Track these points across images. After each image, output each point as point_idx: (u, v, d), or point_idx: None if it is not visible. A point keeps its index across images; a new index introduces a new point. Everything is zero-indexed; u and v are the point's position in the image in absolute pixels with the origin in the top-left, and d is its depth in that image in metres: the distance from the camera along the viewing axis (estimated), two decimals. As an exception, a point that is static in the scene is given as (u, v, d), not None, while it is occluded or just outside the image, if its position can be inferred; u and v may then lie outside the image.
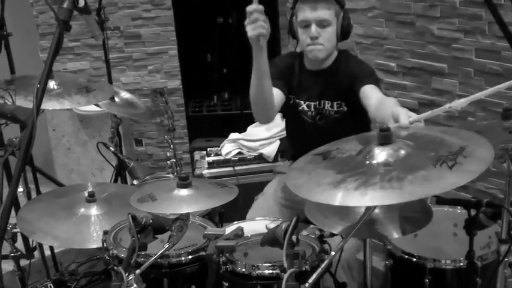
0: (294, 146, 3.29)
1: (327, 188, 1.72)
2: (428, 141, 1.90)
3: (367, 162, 1.80)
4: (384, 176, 1.69)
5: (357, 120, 2.96)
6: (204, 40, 5.27)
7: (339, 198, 1.67)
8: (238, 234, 2.36)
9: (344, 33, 2.96)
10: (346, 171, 1.77)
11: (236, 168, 4.25)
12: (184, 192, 2.21)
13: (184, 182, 2.21)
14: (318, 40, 2.92)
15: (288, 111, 3.16)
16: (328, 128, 2.98)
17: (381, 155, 1.80)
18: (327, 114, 3.01)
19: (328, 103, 3.01)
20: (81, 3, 1.81)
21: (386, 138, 1.84)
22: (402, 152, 1.80)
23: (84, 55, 5.02)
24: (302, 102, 3.08)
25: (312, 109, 3.06)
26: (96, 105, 3.17)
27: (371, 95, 2.78)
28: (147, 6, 4.94)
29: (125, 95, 3.62)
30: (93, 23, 1.99)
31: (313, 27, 2.90)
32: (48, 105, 2.70)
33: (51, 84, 2.78)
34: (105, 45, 3.90)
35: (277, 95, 2.94)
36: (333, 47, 2.98)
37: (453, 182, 1.63)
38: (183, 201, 2.18)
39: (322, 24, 2.90)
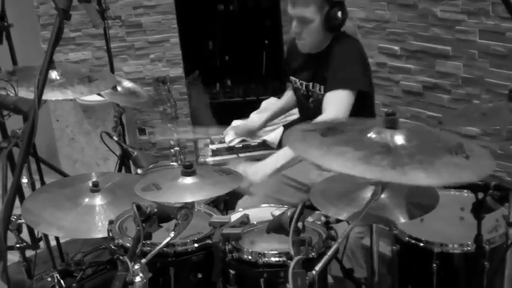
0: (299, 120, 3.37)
1: (358, 164, 1.68)
2: (425, 133, 1.95)
3: (382, 141, 1.80)
4: (412, 157, 1.70)
5: None
6: (205, 28, 5.25)
7: (388, 175, 1.65)
8: (244, 221, 2.35)
9: (331, 26, 2.93)
10: (364, 149, 1.75)
11: (240, 155, 4.24)
12: (188, 180, 2.20)
13: (188, 170, 2.20)
14: (300, 35, 2.94)
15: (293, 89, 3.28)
16: (317, 112, 2.98)
17: (397, 137, 1.80)
18: (317, 97, 3.03)
19: (317, 86, 3.02)
20: (81, -9, 1.80)
21: (392, 122, 1.83)
22: (408, 138, 1.81)
23: (86, 45, 5.00)
24: (298, 80, 3.16)
25: (304, 89, 3.12)
26: (99, 94, 3.16)
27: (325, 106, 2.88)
28: (148, -6, 4.93)
29: (127, 84, 3.60)
30: (93, 11, 1.98)
31: (294, 23, 2.95)
32: (50, 95, 2.68)
33: (53, 74, 2.76)
34: (106, 34, 3.88)
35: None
36: (320, 40, 2.99)
37: (478, 172, 1.70)
38: (188, 190, 2.16)
39: (302, 20, 2.90)
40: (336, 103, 2.86)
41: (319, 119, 2.79)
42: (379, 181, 1.93)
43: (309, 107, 3.10)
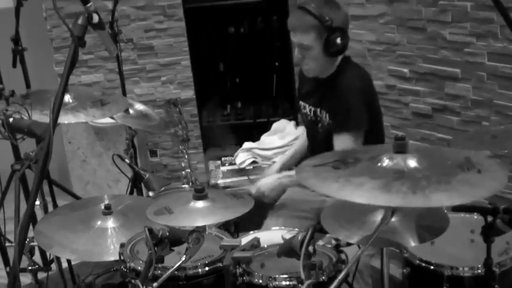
0: (308, 149, 3.37)
1: (379, 194, 1.71)
2: (432, 153, 1.98)
3: (395, 167, 1.83)
4: (429, 180, 1.72)
5: None
6: (216, 50, 5.29)
7: (412, 201, 1.67)
8: (255, 245, 2.36)
9: (331, 52, 2.94)
10: (380, 177, 1.77)
11: (251, 177, 4.25)
12: (200, 204, 2.22)
13: (200, 194, 2.22)
14: (303, 61, 2.99)
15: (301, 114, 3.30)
16: (326, 137, 3.02)
17: (409, 161, 1.83)
18: (324, 124, 3.05)
19: (324, 112, 3.04)
20: (95, 19, 1.83)
21: (402, 146, 1.85)
22: (418, 160, 1.83)
23: (98, 67, 5.05)
24: (306, 106, 3.18)
25: (312, 114, 3.13)
26: (111, 117, 3.18)
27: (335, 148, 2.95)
28: (160, 17, 4.97)
29: (139, 106, 3.63)
30: (107, 38, 2.01)
31: (296, 50, 2.99)
32: (63, 118, 2.71)
33: (66, 97, 2.79)
34: (118, 57, 3.92)
35: None
36: (323, 64, 3.02)
37: (496, 184, 1.74)
38: (200, 214, 2.18)
39: (302, 47, 2.94)
40: (344, 146, 2.91)
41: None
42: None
43: (318, 132, 3.11)
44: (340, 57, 3.04)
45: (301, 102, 3.24)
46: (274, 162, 4.24)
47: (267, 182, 3.14)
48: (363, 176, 1.79)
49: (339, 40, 2.91)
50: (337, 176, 1.83)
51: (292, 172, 3.13)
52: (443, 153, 2.04)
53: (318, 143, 3.12)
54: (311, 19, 2.89)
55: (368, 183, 1.75)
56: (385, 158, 1.86)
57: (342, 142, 2.94)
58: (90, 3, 1.87)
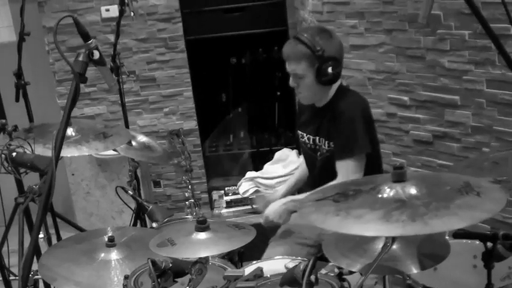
0: (308, 177, 3.39)
1: (380, 224, 1.73)
2: (431, 179, 1.99)
3: (395, 197, 1.84)
4: (428, 206, 1.74)
5: None
6: (218, 81, 5.33)
7: (411, 229, 1.68)
8: (258, 274, 2.37)
9: (324, 81, 2.98)
10: (380, 207, 1.79)
11: (254, 206, 4.26)
12: (202, 235, 2.23)
13: (202, 226, 2.23)
14: (297, 89, 3.03)
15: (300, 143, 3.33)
16: (324, 164, 3.04)
17: (408, 189, 1.85)
18: (323, 152, 3.07)
19: (323, 140, 3.07)
20: (96, 55, 1.87)
21: (400, 176, 1.88)
22: (417, 188, 1.85)
23: (101, 99, 5.10)
24: (305, 134, 3.21)
25: (311, 142, 3.16)
26: (114, 150, 3.20)
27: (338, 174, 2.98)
28: (161, 49, 5.03)
29: (142, 138, 3.66)
30: (107, 73, 2.04)
31: (291, 79, 3.03)
32: (66, 152, 2.74)
33: (69, 131, 2.82)
34: (121, 89, 3.96)
35: None
36: (317, 92, 3.06)
37: (495, 206, 1.75)
38: (202, 245, 2.19)
39: (296, 76, 2.98)
40: (348, 171, 2.96)
41: (333, 183, 2.83)
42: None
43: (317, 160, 3.14)
44: (336, 86, 3.08)
45: (299, 131, 3.27)
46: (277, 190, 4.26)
47: (273, 209, 3.15)
48: (362, 208, 1.81)
49: (330, 69, 2.95)
50: (338, 210, 1.85)
51: (297, 196, 3.17)
52: (443, 179, 2.06)
53: (317, 171, 3.15)
54: (303, 48, 2.94)
55: (367, 214, 1.77)
56: (385, 188, 1.88)
57: (345, 168, 2.97)
58: (91, 40, 1.90)
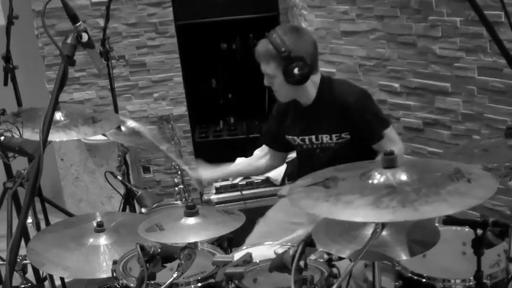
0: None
1: (370, 210, 1.74)
2: (422, 166, 2.01)
3: (386, 182, 1.84)
4: (418, 192, 1.74)
5: (362, 146, 3.02)
6: (208, 66, 5.30)
7: (401, 215, 1.69)
8: (247, 260, 2.36)
9: (292, 81, 2.94)
10: (370, 193, 1.79)
11: (244, 192, 4.26)
12: (191, 220, 2.22)
13: (191, 211, 2.22)
14: (272, 87, 3.04)
15: (292, 147, 3.27)
16: (330, 159, 3.01)
17: (398, 175, 1.85)
18: (328, 147, 3.05)
19: (327, 136, 3.05)
20: (85, 37, 1.85)
21: (391, 161, 1.87)
22: (408, 174, 1.84)
23: (90, 84, 5.06)
24: (296, 137, 3.16)
25: (307, 142, 3.12)
26: (103, 135, 3.19)
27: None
28: (151, 34, 4.99)
29: (131, 123, 3.64)
30: (96, 56, 2.02)
31: (265, 78, 3.02)
32: (55, 136, 2.72)
33: (58, 115, 2.80)
34: (110, 74, 3.93)
35: (269, 154, 3.38)
36: (291, 91, 3.04)
37: (486, 192, 1.76)
38: (191, 230, 2.18)
39: (268, 76, 2.99)
40: (395, 139, 3.05)
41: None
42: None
43: (318, 156, 3.11)
44: (316, 81, 3.06)
45: (288, 136, 3.21)
46: (267, 177, 4.25)
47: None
48: (352, 194, 1.81)
49: (296, 70, 2.90)
50: (328, 195, 1.84)
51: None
52: (433, 165, 2.06)
53: (325, 165, 3.04)
54: (271, 49, 2.92)
55: (357, 200, 1.77)
56: (375, 174, 1.87)
57: (389, 139, 3.02)
58: (80, 23, 1.88)
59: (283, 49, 2.88)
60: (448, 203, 1.71)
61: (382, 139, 3.01)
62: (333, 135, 3.04)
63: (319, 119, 3.05)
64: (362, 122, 2.99)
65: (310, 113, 3.09)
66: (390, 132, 3.04)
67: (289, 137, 3.19)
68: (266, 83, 3.05)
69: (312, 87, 3.05)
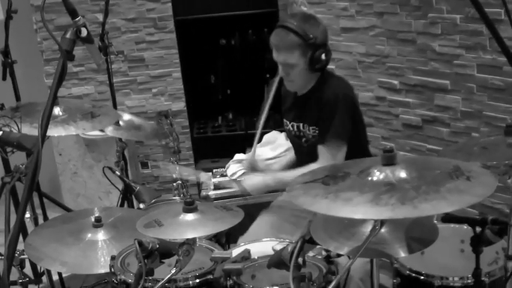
0: (295, 163, 3.37)
1: (369, 207, 1.73)
2: (421, 163, 2.00)
3: (385, 180, 1.84)
4: (417, 190, 1.75)
5: None
6: (207, 62, 5.29)
7: (400, 212, 1.69)
8: (245, 256, 2.36)
9: (317, 68, 2.98)
10: (369, 191, 1.79)
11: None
12: (190, 216, 2.22)
13: (190, 207, 2.22)
14: (288, 77, 3.02)
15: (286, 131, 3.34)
16: (312, 150, 3.03)
17: (398, 173, 1.85)
18: (308, 137, 3.08)
19: (307, 127, 3.08)
20: (84, 32, 1.84)
21: (390, 159, 1.87)
22: (407, 171, 1.84)
23: (89, 79, 5.05)
24: (288, 122, 3.21)
25: (295, 129, 3.17)
26: (101, 130, 3.18)
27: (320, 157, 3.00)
28: (150, 30, 4.98)
29: (129, 117, 3.64)
30: (95, 51, 2.01)
31: (280, 68, 3.02)
32: (53, 131, 2.72)
33: (56, 110, 2.79)
34: (109, 69, 3.93)
35: None
36: (307, 79, 3.06)
37: (485, 190, 1.76)
38: (190, 226, 2.18)
39: (287, 65, 2.95)
40: (330, 155, 2.96)
41: (313, 165, 2.88)
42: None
43: (303, 146, 3.15)
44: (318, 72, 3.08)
45: (284, 119, 3.28)
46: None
47: (253, 182, 3.20)
48: (352, 191, 1.80)
49: (323, 56, 2.95)
50: (327, 192, 1.84)
51: (279, 174, 3.17)
52: (433, 163, 2.06)
53: (304, 157, 3.14)
54: (295, 37, 2.92)
55: (356, 197, 1.76)
56: (374, 171, 1.87)
57: (326, 152, 2.97)
58: (79, 17, 1.87)
59: (311, 36, 2.90)
60: (447, 201, 1.71)
61: (324, 145, 2.99)
62: (311, 128, 3.07)
63: (306, 109, 3.09)
64: (323, 117, 2.99)
65: (302, 102, 3.12)
66: (336, 148, 2.97)
67: (284, 120, 3.26)
68: (282, 73, 3.04)
69: (316, 77, 3.07)
